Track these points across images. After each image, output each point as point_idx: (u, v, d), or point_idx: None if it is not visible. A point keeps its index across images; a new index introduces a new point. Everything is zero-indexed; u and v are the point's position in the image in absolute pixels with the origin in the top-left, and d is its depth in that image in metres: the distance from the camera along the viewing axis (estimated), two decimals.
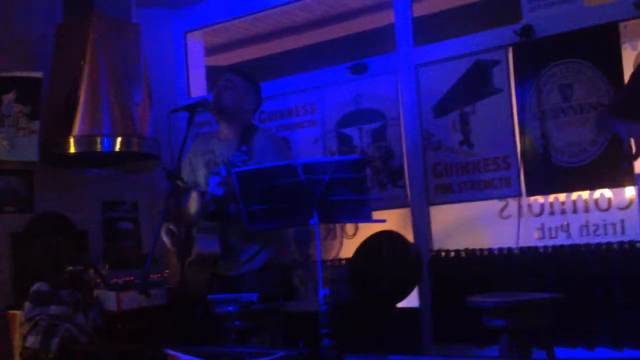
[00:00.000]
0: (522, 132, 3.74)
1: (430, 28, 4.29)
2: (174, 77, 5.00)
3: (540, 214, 3.71)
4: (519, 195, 3.74)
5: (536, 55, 3.72)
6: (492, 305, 2.59)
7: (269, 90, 4.59)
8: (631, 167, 3.31)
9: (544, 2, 3.74)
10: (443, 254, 3.92)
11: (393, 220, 4.04)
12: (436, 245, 3.98)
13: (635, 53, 3.77)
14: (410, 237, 3.98)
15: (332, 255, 4.32)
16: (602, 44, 3.54)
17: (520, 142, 3.74)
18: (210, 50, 5.28)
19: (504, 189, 3.79)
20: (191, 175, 3.21)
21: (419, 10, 4.20)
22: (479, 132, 3.89)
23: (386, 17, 4.30)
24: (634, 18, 3.50)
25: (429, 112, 4.05)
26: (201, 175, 3.17)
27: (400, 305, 3.89)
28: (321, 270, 2.59)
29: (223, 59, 5.58)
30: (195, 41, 5.11)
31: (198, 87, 5.07)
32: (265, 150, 3.10)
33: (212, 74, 5.26)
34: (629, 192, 3.47)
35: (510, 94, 3.81)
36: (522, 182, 3.73)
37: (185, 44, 5.03)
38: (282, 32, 5.11)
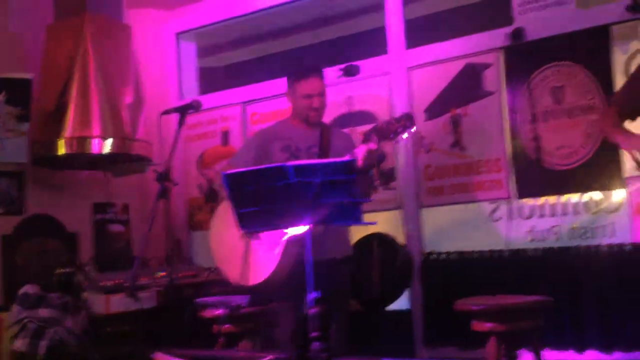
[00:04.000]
0: (513, 135, 3.75)
1: (422, 30, 4.28)
2: (165, 78, 4.99)
3: (531, 216, 3.71)
4: (509, 197, 3.75)
5: (527, 58, 3.73)
6: (480, 308, 2.59)
7: (261, 92, 4.61)
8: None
9: (535, 5, 3.74)
10: (434, 256, 3.92)
11: (385, 222, 4.04)
12: (428, 248, 3.98)
13: (625, 56, 3.77)
14: (401, 239, 3.98)
15: None
16: (593, 47, 3.56)
17: (512, 145, 3.75)
18: (204, 51, 5.27)
19: (495, 191, 3.80)
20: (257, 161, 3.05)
21: (410, 12, 4.20)
22: (470, 134, 3.90)
23: (379, 19, 4.29)
24: (625, 21, 3.51)
25: (420, 115, 4.05)
26: (278, 159, 3.04)
27: (391, 307, 3.89)
28: (311, 273, 2.58)
29: (217, 60, 5.57)
30: (188, 42, 5.10)
31: (190, 89, 5.06)
32: (345, 147, 3.02)
33: (206, 75, 5.26)
34: (619, 195, 3.48)
35: (501, 97, 3.82)
36: (513, 185, 3.74)
37: (177, 45, 5.01)
38: (275, 33, 5.11)
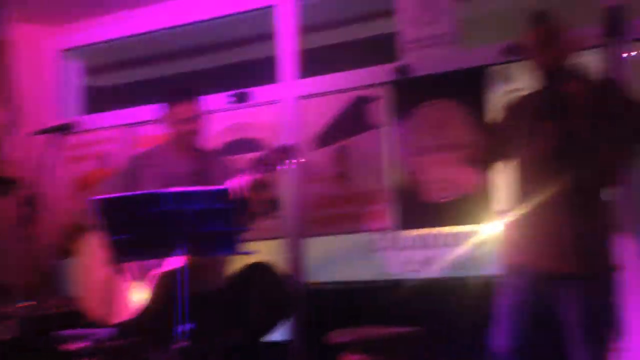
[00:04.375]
0: (396, 168, 3.85)
1: (314, 61, 4.33)
2: (47, 96, 4.76)
3: (410, 247, 3.81)
4: (391, 228, 3.82)
5: (412, 93, 3.85)
6: (349, 340, 2.60)
7: (149, 114, 4.48)
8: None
9: (421, 43, 3.88)
10: (316, 286, 3.93)
11: (268, 251, 4.00)
12: (310, 278, 3.98)
13: (499, 97, 3.97)
14: (284, 268, 3.96)
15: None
16: (472, 86, 3.72)
17: (395, 177, 3.84)
18: (93, 70, 5.09)
19: (377, 222, 3.86)
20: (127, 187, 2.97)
21: (302, 43, 4.24)
22: (356, 165, 3.96)
23: (272, 48, 4.30)
24: (500, 63, 3.69)
25: (309, 144, 4.08)
26: (152, 186, 2.90)
27: (271, 338, 3.83)
28: (183, 306, 2.51)
29: (106, 80, 5.40)
30: (74, 60, 4.90)
31: (74, 108, 4.86)
32: (222, 175, 2.96)
33: (94, 94, 5.07)
34: (492, 228, 3.62)
35: (387, 130, 3.91)
36: (395, 216, 3.81)
37: (61, 63, 4.81)
38: (167, 56, 5.02)
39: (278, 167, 2.77)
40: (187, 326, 2.49)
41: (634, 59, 3.37)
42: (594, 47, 3.43)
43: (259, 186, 2.82)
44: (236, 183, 2.72)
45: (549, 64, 2.46)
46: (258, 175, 2.76)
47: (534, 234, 2.48)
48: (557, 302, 2.47)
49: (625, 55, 3.33)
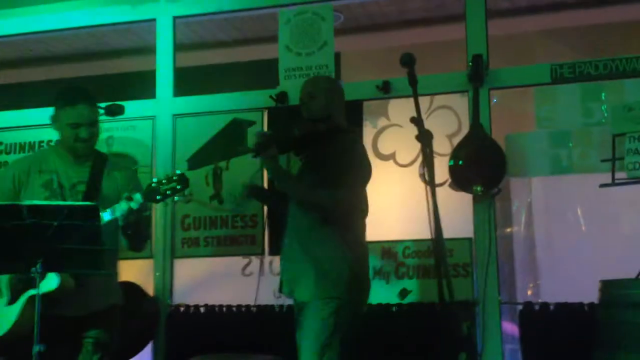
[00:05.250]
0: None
1: (193, 80, 4.29)
2: None
3: (279, 273, 3.82)
4: (262, 253, 3.83)
5: (289, 121, 3.88)
6: None
7: (11, 120, 4.24)
8: None
9: (298, 72, 3.93)
10: (182, 308, 3.83)
11: (136, 271, 3.88)
12: (178, 300, 3.88)
13: (375, 130, 4.14)
14: (151, 289, 3.84)
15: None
16: (348, 119, 3.82)
17: None
18: None
19: (249, 246, 3.85)
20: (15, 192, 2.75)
21: (182, 60, 4.18)
22: (230, 188, 3.93)
23: (150, 62, 4.20)
24: (375, 99, 3.83)
25: (183, 164, 4.01)
26: (36, 195, 2.73)
27: None
28: (39, 325, 2.37)
29: None
30: None
31: None
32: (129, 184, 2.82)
33: None
34: None
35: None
36: (266, 241, 3.81)
37: None
38: (36, 61, 4.76)
39: (166, 199, 2.67)
40: (40, 346, 2.36)
41: (495, 105, 3.64)
42: (460, 91, 3.69)
43: (139, 214, 2.71)
44: (118, 212, 2.60)
45: (305, 113, 2.96)
46: (137, 206, 2.62)
47: (284, 263, 2.88)
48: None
49: (487, 100, 3.57)
